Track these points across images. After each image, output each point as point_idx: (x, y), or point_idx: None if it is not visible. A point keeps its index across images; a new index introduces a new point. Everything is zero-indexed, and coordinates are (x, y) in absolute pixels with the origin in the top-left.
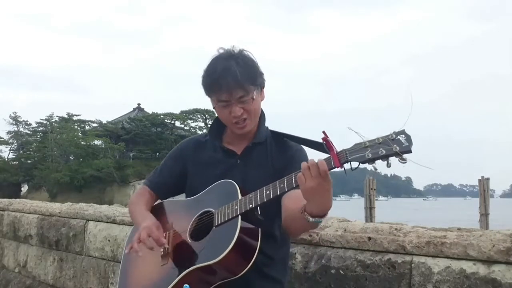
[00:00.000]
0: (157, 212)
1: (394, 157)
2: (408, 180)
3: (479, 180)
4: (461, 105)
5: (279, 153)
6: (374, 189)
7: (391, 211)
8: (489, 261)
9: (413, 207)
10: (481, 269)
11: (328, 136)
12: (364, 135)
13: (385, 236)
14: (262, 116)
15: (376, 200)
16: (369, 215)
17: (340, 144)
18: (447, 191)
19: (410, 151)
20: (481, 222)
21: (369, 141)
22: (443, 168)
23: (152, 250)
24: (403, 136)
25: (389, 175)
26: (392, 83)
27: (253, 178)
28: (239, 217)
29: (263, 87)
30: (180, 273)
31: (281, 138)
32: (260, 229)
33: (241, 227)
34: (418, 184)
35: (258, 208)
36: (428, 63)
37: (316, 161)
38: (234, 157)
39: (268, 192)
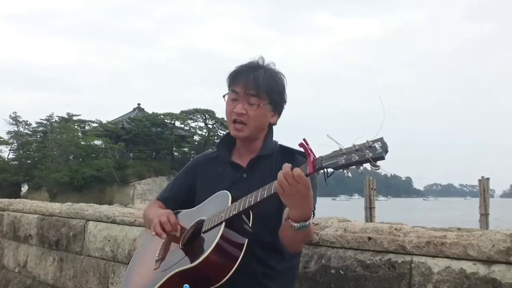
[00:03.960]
0: None
1: (368, 164)
2: (408, 180)
3: (479, 180)
4: (461, 105)
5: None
6: (374, 189)
7: (391, 211)
8: (489, 261)
9: (412, 207)
10: (481, 269)
11: (308, 143)
12: (342, 143)
13: (385, 236)
14: (269, 132)
15: (376, 200)
16: (369, 215)
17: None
18: (447, 191)
19: (383, 158)
20: (481, 222)
21: (345, 149)
22: (443, 168)
23: (171, 234)
24: (379, 143)
25: (389, 175)
26: (391, 84)
27: None
28: (223, 224)
29: (278, 112)
30: (164, 276)
31: (289, 153)
32: (246, 240)
33: (223, 234)
34: (418, 184)
35: (251, 219)
36: (427, 63)
37: (290, 168)
38: (240, 171)
39: (250, 199)
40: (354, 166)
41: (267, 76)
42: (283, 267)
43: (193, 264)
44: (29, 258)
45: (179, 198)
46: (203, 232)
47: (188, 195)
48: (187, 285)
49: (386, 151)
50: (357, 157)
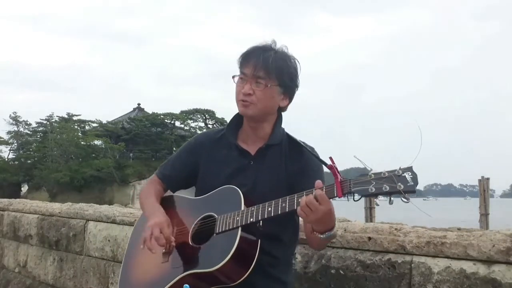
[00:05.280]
0: (165, 205)
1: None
2: None
3: (479, 180)
4: (462, 105)
5: (294, 156)
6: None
7: (391, 211)
8: (489, 261)
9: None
10: (481, 269)
11: (335, 162)
12: (370, 165)
13: (385, 236)
14: (278, 119)
15: (376, 200)
16: (369, 215)
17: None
18: (447, 191)
19: (414, 192)
20: (481, 222)
21: (374, 174)
22: (443, 168)
23: (163, 246)
24: (410, 174)
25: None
26: (391, 82)
27: (265, 181)
28: (239, 228)
29: (289, 96)
30: (177, 274)
31: (298, 145)
32: (259, 240)
33: (240, 238)
34: (418, 184)
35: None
36: (428, 62)
37: (314, 194)
38: (247, 158)
39: (270, 209)
40: (383, 196)
41: (277, 58)
42: (285, 255)
43: (211, 269)
44: (29, 258)
45: (180, 178)
46: (217, 233)
47: (190, 174)
48: (187, 285)
49: (417, 183)
50: (387, 188)
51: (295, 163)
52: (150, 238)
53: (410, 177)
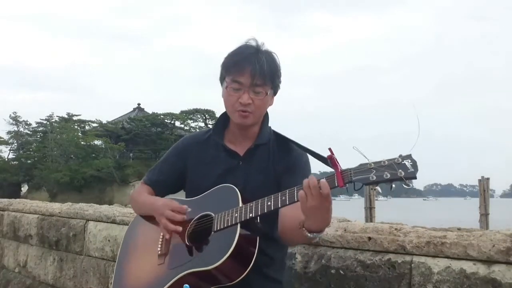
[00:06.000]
0: None
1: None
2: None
3: (479, 180)
4: (462, 105)
5: (281, 155)
6: (374, 189)
7: (391, 211)
8: (489, 261)
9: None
10: (481, 269)
11: (334, 153)
12: (369, 156)
13: (385, 236)
14: (265, 117)
15: (376, 200)
16: (369, 215)
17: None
18: (447, 191)
19: (415, 177)
20: (481, 222)
21: (374, 163)
22: (443, 168)
23: (182, 223)
24: (409, 161)
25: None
26: (385, 82)
27: (255, 181)
28: (238, 225)
29: (276, 93)
30: (176, 275)
31: (284, 141)
32: (258, 237)
33: (239, 235)
34: (418, 184)
35: (258, 216)
36: (427, 60)
37: (318, 181)
38: (236, 158)
39: (269, 203)
40: (384, 183)
41: (269, 62)
42: (279, 255)
43: (210, 267)
44: (29, 258)
45: (169, 182)
46: (215, 231)
47: (178, 178)
48: (187, 285)
49: (417, 170)
50: (388, 175)
51: (283, 161)
52: (168, 222)
53: (410, 164)
